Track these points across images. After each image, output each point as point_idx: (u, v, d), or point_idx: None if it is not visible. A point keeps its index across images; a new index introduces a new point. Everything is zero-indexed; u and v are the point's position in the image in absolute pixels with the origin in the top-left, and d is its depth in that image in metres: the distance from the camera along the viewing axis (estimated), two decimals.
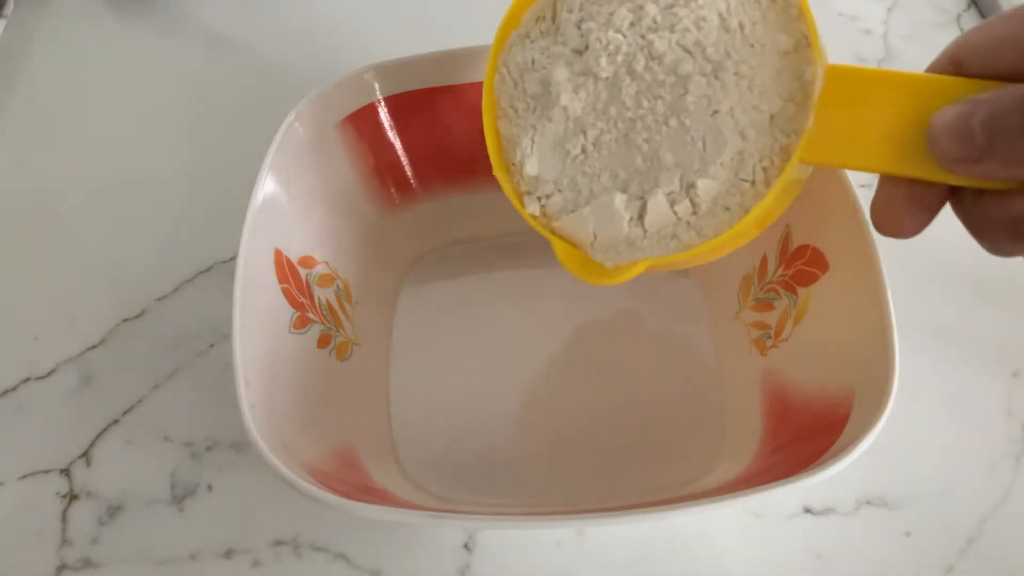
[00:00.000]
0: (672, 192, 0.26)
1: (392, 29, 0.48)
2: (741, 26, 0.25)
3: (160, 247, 0.40)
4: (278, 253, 0.32)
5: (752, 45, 0.25)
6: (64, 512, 0.33)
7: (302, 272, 0.33)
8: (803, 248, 0.33)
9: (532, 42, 0.29)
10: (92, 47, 0.48)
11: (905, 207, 0.22)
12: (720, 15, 0.25)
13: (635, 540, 0.32)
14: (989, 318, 0.37)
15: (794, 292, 0.33)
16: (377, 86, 0.35)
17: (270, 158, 0.32)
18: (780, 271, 0.34)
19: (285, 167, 0.33)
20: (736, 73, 0.25)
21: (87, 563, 0.32)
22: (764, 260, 0.34)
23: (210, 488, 0.33)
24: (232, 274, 0.39)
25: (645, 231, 0.27)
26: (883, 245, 0.27)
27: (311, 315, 0.33)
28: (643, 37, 0.26)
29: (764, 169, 0.25)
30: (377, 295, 0.37)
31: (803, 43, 0.24)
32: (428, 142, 0.37)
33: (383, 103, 0.36)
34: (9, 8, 0.48)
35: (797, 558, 0.31)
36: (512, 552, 0.32)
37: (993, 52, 0.20)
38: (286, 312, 0.32)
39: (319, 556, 0.32)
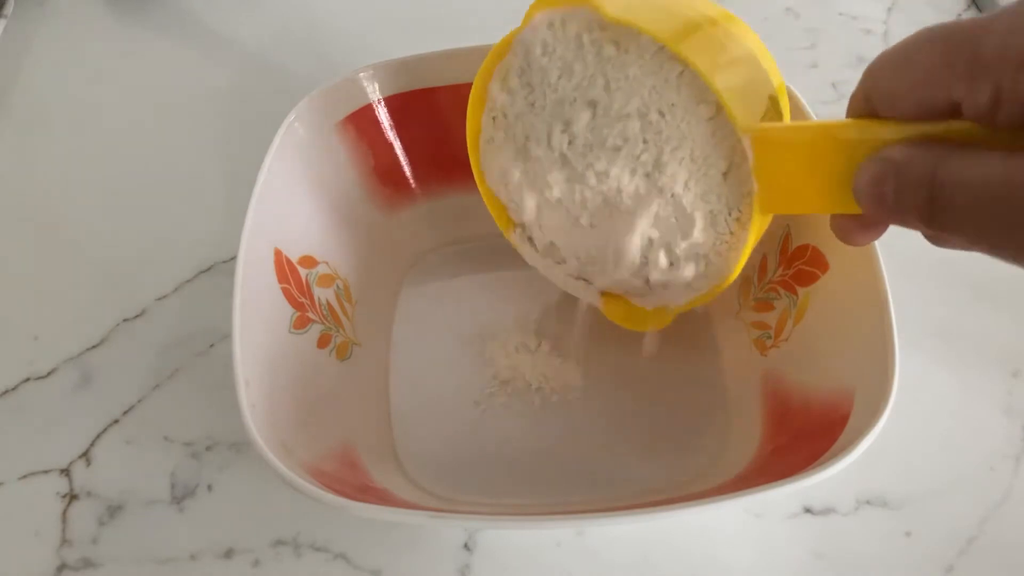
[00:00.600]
0: (670, 260, 0.29)
1: (392, 29, 0.48)
2: (661, 113, 0.26)
3: (160, 247, 0.40)
4: (278, 253, 0.32)
5: (679, 125, 0.26)
6: (64, 512, 0.33)
7: (302, 272, 0.33)
8: (803, 248, 0.33)
9: (499, 148, 0.31)
10: (92, 47, 0.48)
11: (855, 227, 0.24)
12: (639, 113, 0.26)
13: (635, 540, 0.32)
14: (989, 318, 0.37)
15: (794, 292, 0.33)
16: (377, 86, 0.35)
17: (270, 158, 0.32)
18: (780, 271, 0.34)
19: (285, 167, 0.33)
20: (675, 157, 0.26)
21: (87, 563, 0.32)
22: (764, 260, 0.34)
23: (210, 488, 0.33)
24: (232, 274, 0.39)
25: (664, 286, 0.30)
26: (883, 245, 0.28)
27: (311, 315, 0.33)
28: (583, 156, 0.28)
29: (737, 219, 0.27)
30: (377, 295, 0.37)
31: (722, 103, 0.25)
32: (428, 142, 0.37)
33: (383, 103, 0.36)
34: (9, 8, 0.48)
35: (797, 558, 0.31)
36: (512, 552, 0.32)
37: (896, 102, 0.20)
38: (286, 312, 0.32)
39: (319, 556, 0.32)
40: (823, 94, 0.45)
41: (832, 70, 0.46)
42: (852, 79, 0.46)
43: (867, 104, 0.21)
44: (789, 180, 0.24)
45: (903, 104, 0.20)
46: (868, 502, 0.33)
